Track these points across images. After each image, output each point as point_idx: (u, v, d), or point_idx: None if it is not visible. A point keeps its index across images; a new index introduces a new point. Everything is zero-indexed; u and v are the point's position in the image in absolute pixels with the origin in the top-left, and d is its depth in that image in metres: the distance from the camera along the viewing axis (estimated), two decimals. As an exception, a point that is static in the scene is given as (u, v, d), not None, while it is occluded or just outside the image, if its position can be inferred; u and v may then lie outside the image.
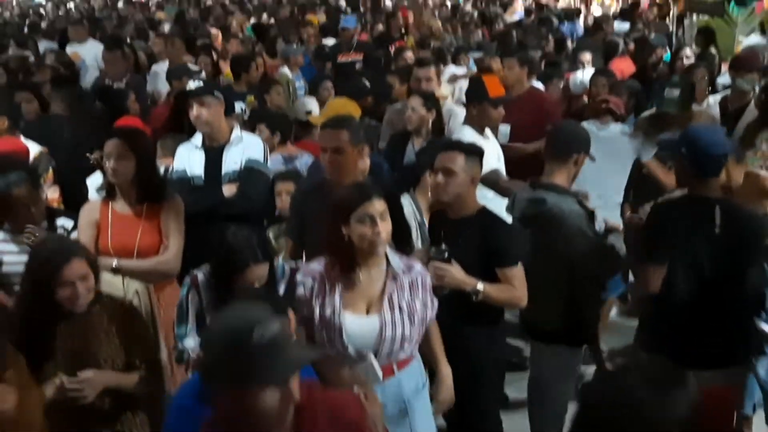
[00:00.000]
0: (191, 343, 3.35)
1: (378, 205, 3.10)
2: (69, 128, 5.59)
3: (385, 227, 3.09)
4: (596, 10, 17.18)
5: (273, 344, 2.02)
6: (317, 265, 3.30)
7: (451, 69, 8.09)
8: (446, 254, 3.57)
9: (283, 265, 3.52)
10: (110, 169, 3.89)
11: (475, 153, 3.80)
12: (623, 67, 7.79)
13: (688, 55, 7.23)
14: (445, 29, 12.05)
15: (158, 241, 3.96)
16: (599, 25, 9.74)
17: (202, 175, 4.58)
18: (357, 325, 3.13)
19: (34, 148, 5.09)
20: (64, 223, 4.00)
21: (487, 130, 5.23)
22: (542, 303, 3.81)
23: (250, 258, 3.17)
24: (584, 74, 7.03)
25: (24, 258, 3.40)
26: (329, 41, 10.33)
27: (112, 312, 3.27)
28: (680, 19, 12.76)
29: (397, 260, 3.24)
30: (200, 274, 3.39)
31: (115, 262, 3.80)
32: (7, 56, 9.69)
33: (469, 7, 16.86)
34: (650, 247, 3.67)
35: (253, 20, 15.12)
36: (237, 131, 4.69)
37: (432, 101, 5.36)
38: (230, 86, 7.43)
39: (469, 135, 4.96)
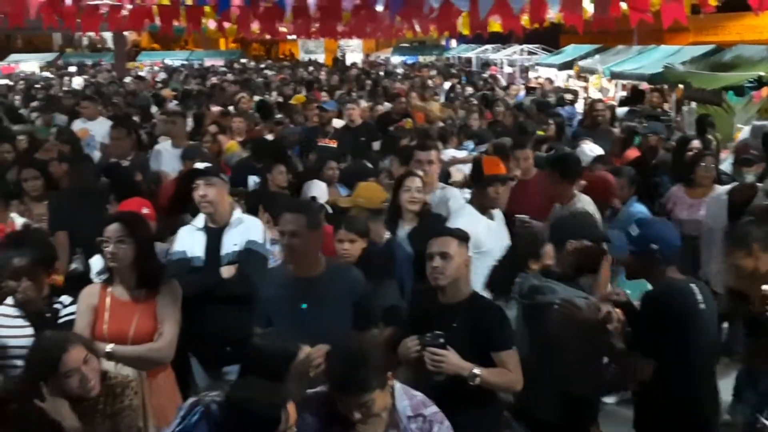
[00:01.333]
0: None
1: None
2: (76, 204, 5.67)
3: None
4: (594, 94, 17.54)
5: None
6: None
7: (450, 151, 8.18)
8: (441, 339, 3.55)
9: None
10: (109, 254, 3.90)
11: (464, 238, 3.86)
12: (631, 154, 7.89)
13: (697, 146, 7.29)
14: (443, 111, 12.26)
15: (153, 327, 3.93)
16: (595, 110, 9.87)
17: (203, 256, 4.59)
18: None
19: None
20: (62, 299, 4.00)
21: (495, 211, 5.29)
22: (540, 392, 3.80)
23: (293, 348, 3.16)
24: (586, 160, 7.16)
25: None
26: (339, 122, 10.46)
27: (104, 390, 3.26)
28: (679, 106, 13.03)
29: (405, 403, 3.10)
30: (213, 405, 3.07)
31: (108, 347, 3.76)
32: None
33: (470, 89, 17.20)
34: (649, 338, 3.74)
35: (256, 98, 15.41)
36: (237, 213, 4.74)
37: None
38: (246, 159, 7.53)
39: (469, 214, 5.04)
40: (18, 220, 5.32)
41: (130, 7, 6.88)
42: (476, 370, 3.54)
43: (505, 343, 3.69)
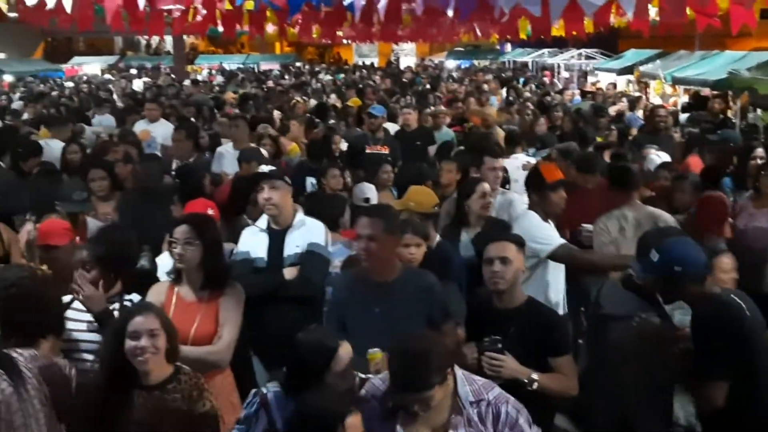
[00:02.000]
0: None
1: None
2: (144, 203, 5.82)
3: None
4: (654, 99, 17.23)
5: None
6: (379, 383, 3.27)
7: (522, 157, 8.11)
8: (499, 345, 3.57)
9: (356, 376, 3.44)
10: (177, 255, 3.99)
11: (522, 243, 3.91)
12: (692, 161, 7.72)
13: (762, 155, 7.07)
14: (500, 115, 12.18)
15: (214, 329, 3.99)
16: (657, 115, 9.67)
17: (265, 258, 4.64)
18: None
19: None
20: (132, 297, 4.07)
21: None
22: (603, 406, 3.78)
23: (334, 338, 3.22)
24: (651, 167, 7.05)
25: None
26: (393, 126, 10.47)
27: (187, 391, 3.31)
28: (744, 113, 12.69)
29: (466, 389, 3.15)
30: (270, 394, 3.26)
31: None
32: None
33: (528, 94, 17.06)
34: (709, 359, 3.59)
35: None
36: (300, 215, 4.78)
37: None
38: (303, 161, 7.56)
39: (534, 219, 5.05)
40: (91, 222, 5.44)
41: (204, 12, 6.97)
42: (534, 375, 3.58)
43: (563, 348, 3.74)
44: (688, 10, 6.21)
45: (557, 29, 10.17)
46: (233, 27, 8.62)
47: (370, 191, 6.25)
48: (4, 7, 6.60)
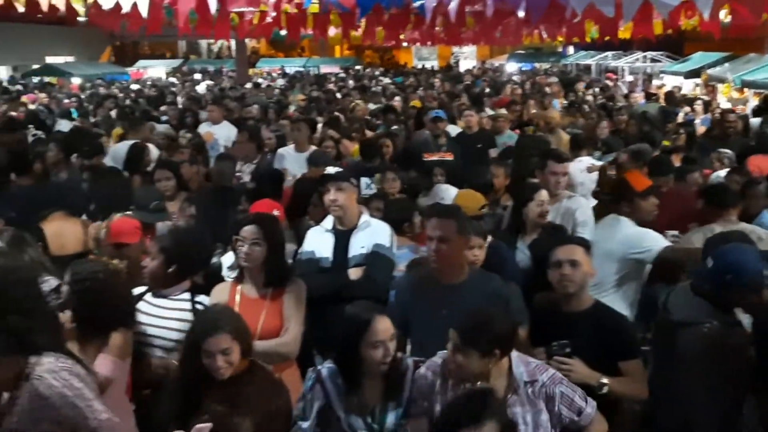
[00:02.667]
0: (305, 426, 3.38)
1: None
2: (218, 202, 5.95)
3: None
4: (723, 103, 16.81)
5: None
6: (438, 360, 3.35)
7: (587, 160, 7.98)
8: (568, 349, 3.57)
9: (407, 360, 3.52)
10: (243, 254, 4.05)
11: (588, 246, 3.92)
12: (760, 163, 7.49)
13: None
14: (563, 118, 12.02)
15: (280, 324, 4.07)
16: (727, 120, 9.42)
17: (330, 258, 4.66)
18: None
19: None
20: (202, 299, 4.16)
21: None
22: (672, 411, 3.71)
23: (373, 312, 3.32)
24: (722, 172, 6.89)
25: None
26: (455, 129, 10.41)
27: (261, 385, 3.37)
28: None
29: (521, 369, 3.24)
30: (324, 369, 3.45)
31: None
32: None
33: (590, 97, 16.82)
34: None
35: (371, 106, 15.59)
36: (365, 216, 4.79)
37: None
38: (358, 162, 7.66)
39: (631, 227, 5.02)
40: (160, 223, 5.54)
41: (274, 14, 7.06)
42: (604, 380, 3.57)
43: (632, 352, 3.72)
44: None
45: (623, 31, 9.98)
46: (298, 30, 8.70)
47: (446, 192, 6.21)
48: (81, 11, 6.78)
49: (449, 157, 8.02)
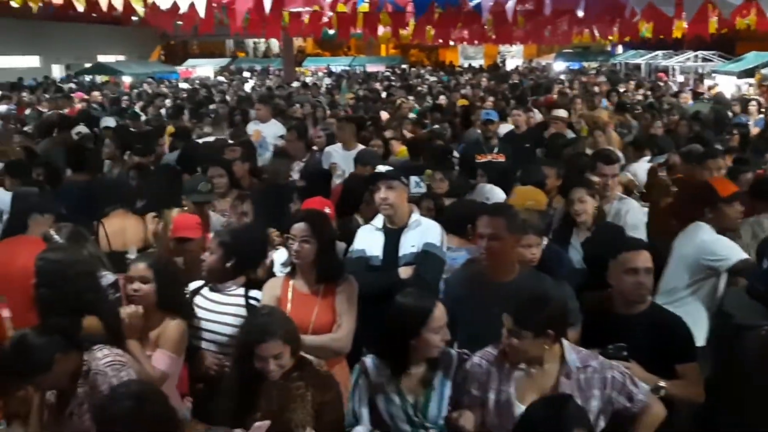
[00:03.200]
0: (361, 430, 3.42)
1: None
2: (274, 199, 6.07)
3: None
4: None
5: None
6: (492, 350, 3.37)
7: (645, 161, 7.89)
8: (625, 352, 3.54)
9: (451, 352, 3.54)
10: (294, 251, 4.09)
11: (653, 251, 3.85)
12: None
13: None
14: (612, 118, 11.86)
15: (332, 320, 4.10)
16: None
17: (380, 257, 4.68)
18: None
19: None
20: (256, 294, 4.22)
21: None
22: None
23: (429, 305, 3.33)
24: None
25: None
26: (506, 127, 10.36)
27: (311, 380, 3.40)
28: None
29: (573, 356, 3.26)
30: (368, 360, 3.51)
31: None
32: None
33: (639, 97, 16.57)
34: None
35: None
36: (416, 215, 4.79)
37: (594, 190, 5.38)
38: (406, 161, 7.69)
39: (709, 233, 4.92)
40: (214, 218, 5.65)
41: (331, 13, 7.10)
42: (661, 383, 3.53)
43: (689, 355, 3.69)
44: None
45: (675, 30, 9.81)
46: (348, 29, 8.74)
47: (491, 192, 6.19)
48: (140, 11, 6.92)
49: (501, 158, 7.97)
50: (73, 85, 26.00)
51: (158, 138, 10.16)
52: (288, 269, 4.32)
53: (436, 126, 10.86)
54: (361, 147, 8.32)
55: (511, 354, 3.25)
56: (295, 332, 3.46)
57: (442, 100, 15.96)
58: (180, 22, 9.77)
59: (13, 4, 7.87)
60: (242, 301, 4.18)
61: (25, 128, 12.37)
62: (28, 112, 14.83)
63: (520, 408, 3.15)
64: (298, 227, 4.09)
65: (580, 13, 6.17)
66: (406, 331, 3.32)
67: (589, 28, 9.76)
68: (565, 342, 3.29)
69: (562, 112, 10.03)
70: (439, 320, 3.34)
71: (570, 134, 9.51)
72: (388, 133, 9.06)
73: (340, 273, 4.23)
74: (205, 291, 4.29)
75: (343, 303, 4.12)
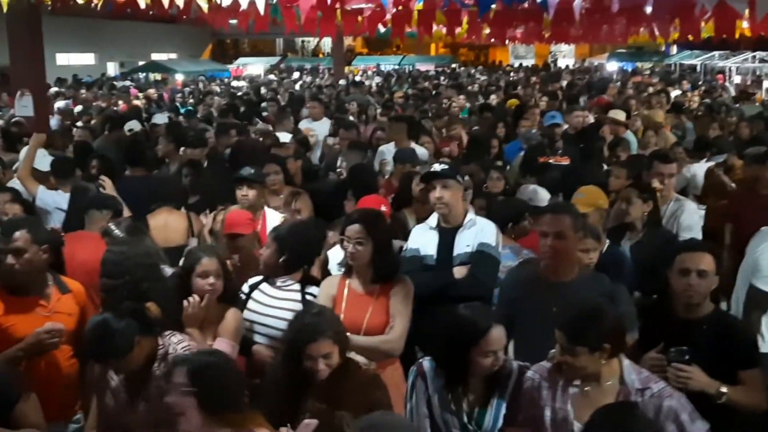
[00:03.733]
0: None
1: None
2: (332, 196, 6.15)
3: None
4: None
5: None
6: (546, 364, 3.30)
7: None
8: (687, 356, 3.45)
9: (512, 364, 3.48)
10: (349, 253, 4.08)
11: (715, 253, 3.74)
12: None
13: None
14: (668, 119, 11.66)
15: (385, 321, 4.07)
16: None
17: (435, 256, 4.64)
18: None
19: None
20: (312, 290, 4.26)
21: None
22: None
23: (486, 325, 3.23)
24: None
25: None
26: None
27: (359, 380, 3.41)
28: None
29: (632, 377, 3.13)
30: (426, 362, 3.47)
31: None
32: (256, 129, 10.59)
33: (696, 98, 16.26)
34: None
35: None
36: (471, 214, 4.73)
37: (649, 193, 5.30)
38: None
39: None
40: (270, 213, 5.68)
41: (394, 9, 7.08)
42: (723, 388, 3.44)
43: (753, 361, 3.59)
44: None
45: (740, 28, 9.56)
46: (403, 27, 8.72)
47: (534, 194, 6.13)
48: (204, 7, 7.01)
49: (565, 161, 7.85)
50: (126, 83, 26.46)
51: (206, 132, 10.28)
52: (343, 269, 4.31)
53: (476, 128, 10.83)
54: (413, 145, 8.30)
55: (567, 371, 3.15)
56: (343, 332, 3.44)
57: (493, 99, 15.85)
58: (234, 21, 9.85)
59: (79, 0, 8.01)
60: (298, 296, 4.22)
61: (78, 123, 12.63)
62: (78, 108, 15.10)
63: (578, 427, 3.05)
64: (353, 229, 4.06)
65: (648, 9, 6.02)
66: (459, 344, 3.25)
67: (650, 26, 9.53)
68: (625, 361, 3.18)
69: (620, 114, 9.85)
70: (493, 343, 3.24)
71: (630, 136, 9.36)
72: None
73: (396, 272, 4.20)
74: (264, 286, 4.34)
75: (397, 304, 4.09)
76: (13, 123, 10.64)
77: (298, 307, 4.13)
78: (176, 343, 3.49)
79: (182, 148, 8.35)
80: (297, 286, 4.25)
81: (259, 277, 4.40)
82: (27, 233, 3.91)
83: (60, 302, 4.07)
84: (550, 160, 7.59)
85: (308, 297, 4.21)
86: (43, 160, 6.97)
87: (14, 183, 6.72)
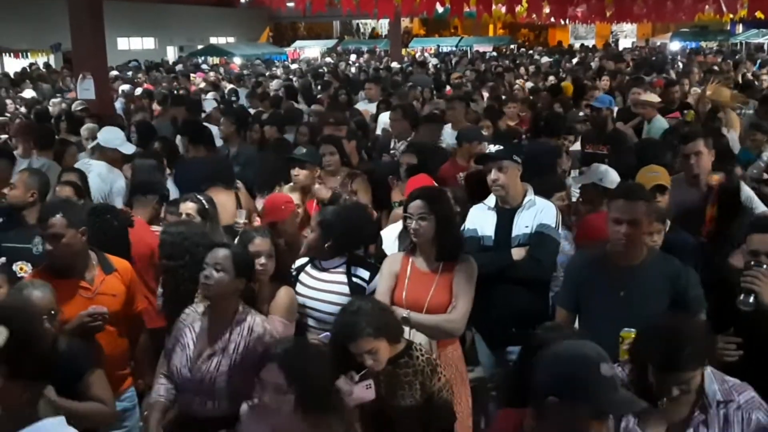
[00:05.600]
0: None
1: None
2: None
3: None
4: None
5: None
6: (619, 371, 3.11)
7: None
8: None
9: None
10: (412, 229, 4.04)
11: None
12: None
13: None
14: (735, 99, 11.26)
15: (448, 300, 4.03)
16: None
17: (493, 237, 4.59)
18: None
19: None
20: (360, 272, 4.23)
21: None
22: None
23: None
24: None
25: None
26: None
27: (420, 367, 3.38)
28: None
29: (715, 387, 2.90)
30: None
31: (405, 313, 3.92)
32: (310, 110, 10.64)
33: (765, 77, 15.70)
34: None
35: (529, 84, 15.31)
36: (530, 195, 4.65)
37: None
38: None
39: None
40: (320, 192, 5.71)
41: None
42: None
43: None
44: None
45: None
46: (461, 7, 8.60)
47: (605, 174, 5.98)
48: (269, -15, 7.03)
49: (604, 150, 7.62)
50: (181, 66, 26.80)
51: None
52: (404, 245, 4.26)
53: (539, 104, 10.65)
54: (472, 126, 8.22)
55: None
56: (389, 324, 3.38)
57: (552, 80, 15.59)
58: (291, 3, 9.87)
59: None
60: (344, 278, 4.19)
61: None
62: (139, 91, 15.36)
63: None
64: (415, 205, 4.04)
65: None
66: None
67: (717, 1, 9.19)
68: (707, 371, 2.91)
69: (653, 97, 9.46)
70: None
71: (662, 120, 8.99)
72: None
73: (460, 250, 4.16)
74: (309, 268, 4.32)
75: (460, 283, 4.04)
76: (79, 107, 10.86)
77: (345, 290, 4.13)
78: (259, 323, 3.61)
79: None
80: (343, 268, 4.22)
81: (305, 259, 4.40)
82: (62, 217, 3.88)
83: (104, 283, 4.08)
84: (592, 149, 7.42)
85: (355, 280, 4.18)
86: (126, 145, 7.12)
87: (100, 165, 6.83)
